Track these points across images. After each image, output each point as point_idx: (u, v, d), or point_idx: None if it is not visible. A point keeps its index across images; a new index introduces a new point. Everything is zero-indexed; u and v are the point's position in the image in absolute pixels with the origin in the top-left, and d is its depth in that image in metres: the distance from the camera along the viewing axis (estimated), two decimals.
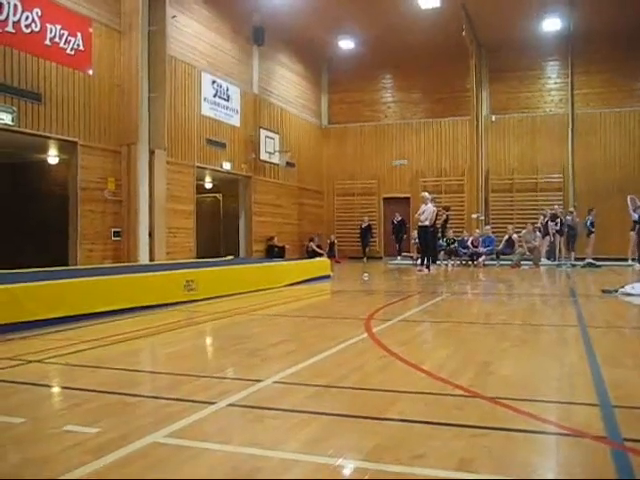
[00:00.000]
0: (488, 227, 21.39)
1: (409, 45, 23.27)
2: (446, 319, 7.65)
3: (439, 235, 19.71)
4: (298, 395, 3.77)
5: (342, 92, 26.35)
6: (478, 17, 20.96)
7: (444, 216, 20.51)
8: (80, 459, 2.63)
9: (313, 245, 22.69)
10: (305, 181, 24.53)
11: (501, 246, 19.87)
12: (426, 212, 15.96)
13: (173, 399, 3.63)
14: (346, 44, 23.94)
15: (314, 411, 3.39)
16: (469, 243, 20.00)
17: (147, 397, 3.78)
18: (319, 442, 2.89)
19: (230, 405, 3.50)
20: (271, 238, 21.24)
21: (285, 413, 3.37)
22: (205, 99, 17.98)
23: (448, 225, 20.84)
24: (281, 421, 3.25)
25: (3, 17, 11.60)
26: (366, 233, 23.53)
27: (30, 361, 4.86)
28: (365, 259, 23.01)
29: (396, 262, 21.58)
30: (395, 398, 3.69)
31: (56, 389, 4.17)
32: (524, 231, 19.49)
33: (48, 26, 12.57)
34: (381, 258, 24.12)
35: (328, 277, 13.91)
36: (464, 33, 20.94)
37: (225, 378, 4.35)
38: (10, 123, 11.71)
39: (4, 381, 4.14)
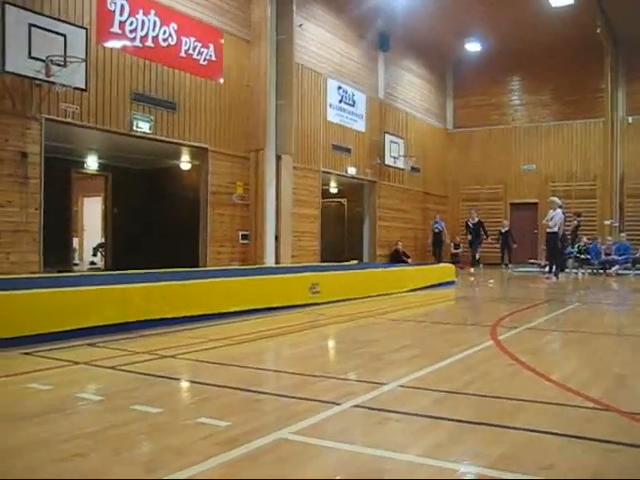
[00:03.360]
0: (623, 234, 20.33)
1: (538, 45, 22.55)
2: (576, 329, 7.35)
3: (569, 242, 18.93)
4: (422, 400, 3.75)
5: (468, 95, 25.90)
6: (615, 12, 19.87)
7: (575, 222, 19.72)
8: (212, 450, 2.74)
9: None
10: (430, 186, 24.31)
11: (638, 254, 18.83)
12: (555, 218, 15.39)
13: (299, 398, 3.70)
14: (472, 46, 23.55)
15: (438, 416, 3.36)
16: (601, 251, 19.11)
17: (274, 395, 3.88)
18: (443, 447, 2.87)
19: (355, 406, 3.53)
20: (396, 243, 21.18)
21: (409, 417, 3.36)
22: (331, 105, 18.22)
23: (579, 232, 20.00)
24: (405, 424, 3.25)
25: (144, 33, 12.29)
26: (506, 238, 22.09)
27: (164, 356, 5.11)
28: (504, 265, 21.90)
29: (523, 269, 20.93)
30: (522, 407, 3.59)
31: (188, 383, 4.36)
32: None
33: (183, 39, 13.19)
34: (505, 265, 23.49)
35: (453, 283, 13.71)
36: (599, 30, 20.01)
37: (349, 380, 4.39)
38: (148, 131, 12.38)
39: (142, 373, 4.37)
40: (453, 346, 5.68)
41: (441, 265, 15.75)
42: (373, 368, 4.75)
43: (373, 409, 3.50)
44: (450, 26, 21.27)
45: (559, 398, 3.77)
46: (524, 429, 3.13)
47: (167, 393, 3.99)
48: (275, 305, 8.27)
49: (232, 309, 7.57)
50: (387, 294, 10.89)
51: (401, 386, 4.06)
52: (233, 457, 2.67)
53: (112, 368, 4.56)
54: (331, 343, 6.58)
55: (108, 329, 6.03)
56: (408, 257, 21.09)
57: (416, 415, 3.38)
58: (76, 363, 4.75)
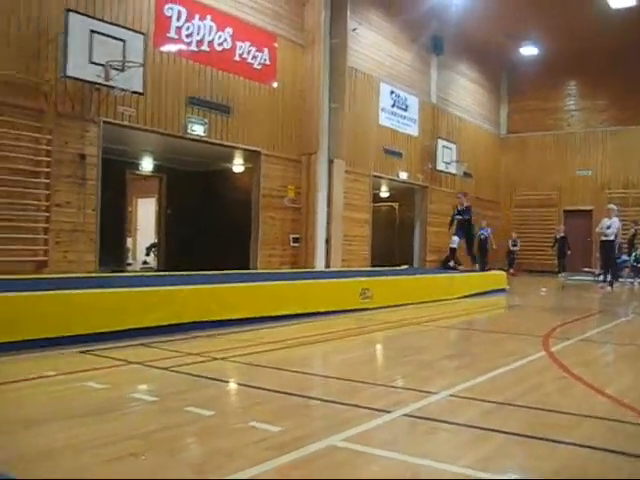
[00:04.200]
0: None
1: (596, 49, 22.06)
2: (631, 342, 7.17)
3: (623, 250, 18.50)
4: (473, 410, 3.72)
5: (522, 100, 25.54)
6: None
7: (632, 230, 19.27)
8: (263, 455, 2.77)
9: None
10: (482, 192, 24.00)
11: None
12: (613, 226, 15.02)
13: (350, 405, 3.71)
14: (528, 50, 23.11)
15: (489, 428, 3.33)
16: None
17: (325, 401, 3.89)
18: (493, 460, 2.84)
19: (405, 415, 3.53)
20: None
21: (459, 427, 3.33)
22: (383, 109, 18.19)
23: (636, 240, 19.53)
24: (455, 435, 3.23)
25: (200, 37, 12.48)
26: (562, 244, 21.29)
27: (215, 358, 5.18)
28: (562, 274, 21.07)
29: (577, 278, 20.52)
30: (575, 421, 3.54)
31: (240, 386, 4.41)
32: None
33: (238, 43, 13.34)
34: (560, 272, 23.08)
35: (504, 291, 13.54)
36: None
37: (399, 388, 4.39)
38: (202, 134, 12.56)
39: (195, 375, 4.45)
40: (504, 356, 5.62)
41: (492, 272, 15.56)
42: (422, 376, 4.74)
43: (423, 418, 3.49)
44: (505, 30, 20.97)
45: (614, 413, 3.70)
46: (577, 444, 3.08)
47: (219, 396, 4.06)
48: (326, 309, 8.29)
49: (282, 312, 7.61)
50: (438, 300, 10.82)
51: (451, 395, 4.03)
52: (283, 462, 2.69)
53: (165, 369, 4.65)
54: (380, 350, 6.58)
55: (161, 330, 6.14)
56: (460, 264, 20.83)
57: (465, 426, 3.36)
58: (131, 363, 4.86)
